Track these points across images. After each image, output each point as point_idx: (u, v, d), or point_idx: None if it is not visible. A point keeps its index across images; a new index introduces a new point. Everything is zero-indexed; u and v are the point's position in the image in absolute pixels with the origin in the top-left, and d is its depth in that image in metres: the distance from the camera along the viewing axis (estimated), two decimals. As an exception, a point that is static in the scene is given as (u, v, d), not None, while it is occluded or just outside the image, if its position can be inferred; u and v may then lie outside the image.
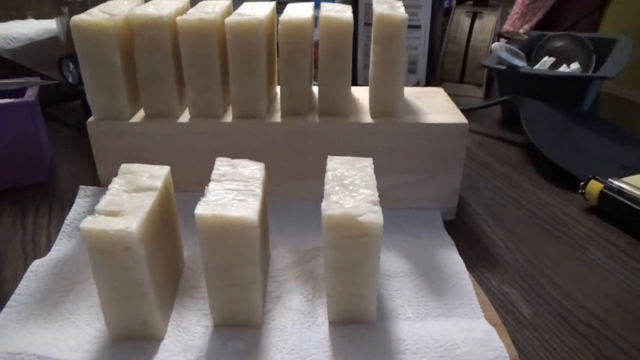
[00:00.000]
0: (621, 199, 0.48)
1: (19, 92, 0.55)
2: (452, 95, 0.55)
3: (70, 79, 0.69)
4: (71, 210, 0.47)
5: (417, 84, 0.82)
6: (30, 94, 0.54)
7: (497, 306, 0.38)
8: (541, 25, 1.08)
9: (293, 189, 0.48)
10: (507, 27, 1.09)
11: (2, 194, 0.53)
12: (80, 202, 0.48)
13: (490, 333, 0.33)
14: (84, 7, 0.64)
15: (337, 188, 0.33)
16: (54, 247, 0.43)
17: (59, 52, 0.71)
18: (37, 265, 0.40)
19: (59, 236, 0.44)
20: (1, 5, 0.85)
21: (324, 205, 0.31)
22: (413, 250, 0.42)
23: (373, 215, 0.31)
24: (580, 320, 0.37)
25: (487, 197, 0.54)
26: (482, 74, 0.85)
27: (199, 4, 0.48)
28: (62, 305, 0.36)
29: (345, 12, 0.45)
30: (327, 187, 0.33)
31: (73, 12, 0.67)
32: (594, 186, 0.51)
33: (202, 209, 0.31)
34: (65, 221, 0.45)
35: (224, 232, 0.30)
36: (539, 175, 0.59)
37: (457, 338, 0.32)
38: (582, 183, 0.52)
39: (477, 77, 0.86)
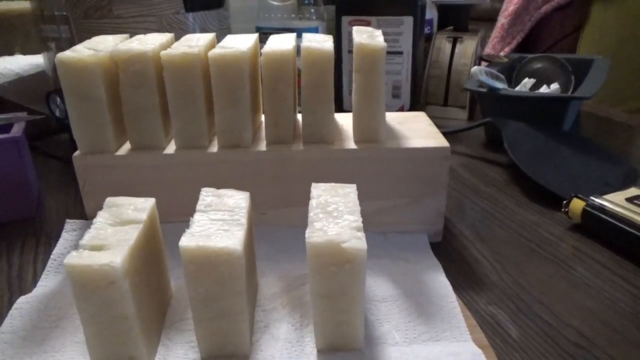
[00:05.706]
0: (603, 216, 0.49)
1: (6, 127, 0.55)
2: (436, 117, 0.56)
3: (57, 113, 0.70)
4: (57, 244, 0.47)
5: (401, 108, 0.84)
6: (17, 130, 0.55)
7: (485, 328, 0.38)
8: (521, 47, 1.11)
9: (280, 217, 0.49)
10: (487, 50, 1.12)
11: (-13, 230, 0.53)
12: (67, 236, 0.48)
13: (478, 356, 0.33)
14: (70, 43, 0.65)
15: (321, 215, 0.34)
16: (39, 283, 0.42)
17: (46, 87, 0.72)
18: (22, 302, 0.39)
19: (45, 271, 0.44)
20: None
21: (308, 232, 0.32)
22: (400, 274, 0.42)
23: (357, 241, 0.31)
24: (568, 340, 0.37)
25: (473, 218, 0.55)
26: (465, 97, 0.87)
27: (183, 38, 0.49)
28: (47, 342, 0.35)
29: (326, 42, 0.46)
30: (311, 214, 0.34)
31: (60, 48, 0.68)
32: (577, 204, 0.51)
33: (186, 240, 0.31)
34: (52, 256, 0.45)
35: (209, 263, 0.30)
36: (524, 195, 0.60)
37: (445, 362, 0.32)
38: (565, 202, 0.53)
39: (460, 100, 0.88)
